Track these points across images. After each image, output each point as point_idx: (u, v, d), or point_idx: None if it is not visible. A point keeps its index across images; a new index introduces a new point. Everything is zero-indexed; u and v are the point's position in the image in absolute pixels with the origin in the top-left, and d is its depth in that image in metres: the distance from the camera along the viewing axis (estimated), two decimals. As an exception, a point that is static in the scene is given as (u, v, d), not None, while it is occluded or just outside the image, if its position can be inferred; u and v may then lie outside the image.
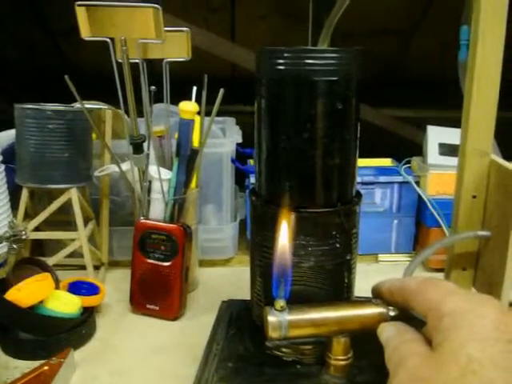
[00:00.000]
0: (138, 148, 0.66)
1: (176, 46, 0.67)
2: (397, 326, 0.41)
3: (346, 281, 0.50)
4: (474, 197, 0.50)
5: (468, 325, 0.33)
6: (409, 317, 0.42)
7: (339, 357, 0.47)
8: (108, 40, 0.62)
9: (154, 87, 0.66)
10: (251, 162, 0.90)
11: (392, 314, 0.43)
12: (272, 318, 0.43)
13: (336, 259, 0.48)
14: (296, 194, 0.47)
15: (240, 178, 0.89)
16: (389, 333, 0.41)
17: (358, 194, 0.50)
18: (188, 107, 0.66)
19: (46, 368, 0.53)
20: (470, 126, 0.47)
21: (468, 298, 0.36)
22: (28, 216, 0.74)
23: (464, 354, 0.31)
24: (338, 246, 0.48)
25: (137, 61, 0.66)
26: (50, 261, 0.70)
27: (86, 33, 0.62)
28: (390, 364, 0.37)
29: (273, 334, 0.44)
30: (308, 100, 0.44)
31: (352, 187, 0.49)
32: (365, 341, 0.46)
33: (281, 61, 0.44)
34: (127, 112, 0.66)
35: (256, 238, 0.51)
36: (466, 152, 0.48)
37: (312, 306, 0.45)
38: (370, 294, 0.46)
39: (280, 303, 0.44)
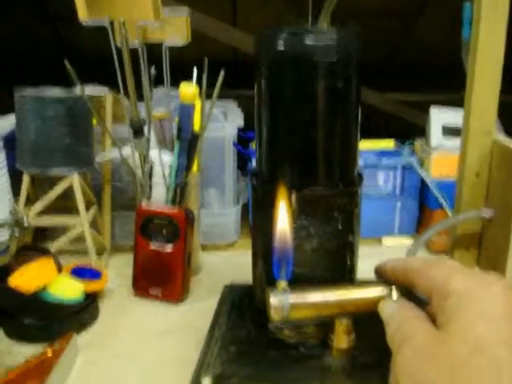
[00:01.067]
0: (138, 132, 0.66)
1: (176, 30, 0.66)
2: (399, 302, 0.41)
3: (349, 262, 0.50)
4: (477, 175, 0.49)
5: (475, 304, 0.33)
6: (412, 297, 0.41)
7: (341, 339, 0.47)
8: (107, 25, 0.62)
9: (153, 71, 0.66)
10: (253, 145, 0.90)
11: (395, 294, 0.43)
12: (274, 300, 0.43)
13: (338, 240, 0.48)
14: (297, 175, 0.46)
15: (242, 162, 0.89)
16: (391, 309, 0.40)
17: (360, 176, 0.50)
18: (188, 89, 0.66)
19: (49, 354, 0.53)
20: (473, 104, 0.47)
21: (474, 276, 0.36)
22: (29, 202, 0.74)
23: (472, 334, 0.31)
24: (340, 227, 0.47)
25: (136, 46, 0.65)
26: (52, 247, 0.70)
27: (83, 15, 0.61)
28: (393, 341, 0.37)
29: (275, 316, 0.43)
30: (308, 81, 0.44)
31: (354, 168, 0.49)
32: (367, 322, 0.46)
33: (280, 41, 0.44)
34: (127, 96, 0.65)
35: (257, 220, 0.50)
36: (469, 130, 0.48)
37: (314, 288, 0.45)
38: (373, 277, 0.46)
39: (282, 284, 0.43)
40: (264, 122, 0.47)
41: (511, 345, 0.30)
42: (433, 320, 0.36)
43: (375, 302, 0.43)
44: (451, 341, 0.32)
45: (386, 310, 0.40)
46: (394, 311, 0.40)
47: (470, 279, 0.35)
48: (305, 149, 0.46)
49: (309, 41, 0.43)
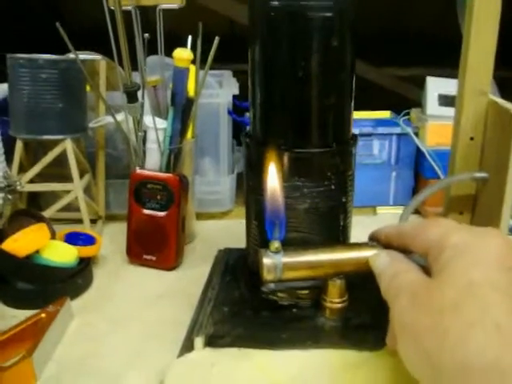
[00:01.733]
0: (132, 97, 0.65)
1: (170, -8, 0.66)
2: (391, 254, 0.41)
3: (342, 224, 0.50)
4: (472, 138, 0.49)
5: (470, 253, 0.33)
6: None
7: (335, 299, 0.47)
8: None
9: (147, 35, 0.65)
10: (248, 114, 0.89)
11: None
12: (267, 260, 0.43)
13: (331, 201, 0.48)
14: (291, 135, 0.46)
15: (238, 131, 0.89)
16: (383, 262, 0.40)
17: (354, 136, 0.50)
18: (183, 55, 0.65)
19: (42, 315, 0.53)
20: (469, 64, 0.46)
21: (471, 230, 0.36)
22: (23, 170, 0.74)
23: (465, 278, 0.31)
24: (333, 187, 0.47)
25: (129, 8, 0.65)
26: (46, 213, 0.70)
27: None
28: (388, 293, 0.37)
29: (267, 276, 0.43)
30: (302, 37, 0.43)
31: (348, 128, 0.49)
32: (360, 283, 0.46)
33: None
34: (121, 63, 0.65)
35: (250, 182, 0.50)
36: (465, 92, 0.47)
37: (307, 248, 0.45)
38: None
39: (275, 245, 0.43)
40: (258, 81, 0.47)
41: (502, 290, 0.30)
42: (428, 274, 0.36)
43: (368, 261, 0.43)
44: (443, 286, 0.32)
45: (378, 264, 0.41)
46: (387, 264, 0.40)
47: (466, 234, 0.35)
48: (298, 108, 0.45)
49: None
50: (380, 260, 0.41)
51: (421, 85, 0.89)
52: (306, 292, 0.50)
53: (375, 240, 0.45)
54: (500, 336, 0.28)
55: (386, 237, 0.43)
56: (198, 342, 0.44)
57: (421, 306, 0.32)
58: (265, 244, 0.44)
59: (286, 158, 0.46)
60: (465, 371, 0.28)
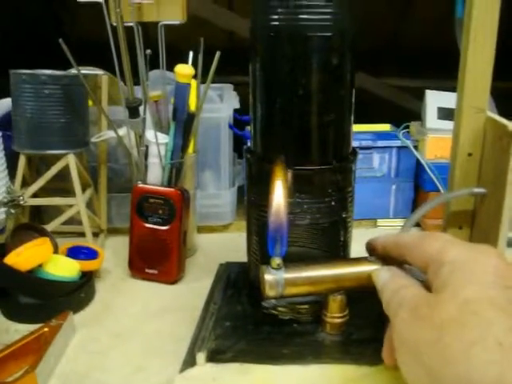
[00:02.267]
0: (134, 112, 0.66)
1: (171, 9, 0.66)
2: (392, 270, 0.42)
3: (342, 239, 0.50)
4: (470, 154, 0.50)
5: (468, 270, 0.34)
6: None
7: (335, 314, 0.47)
8: (101, 1, 0.62)
9: (149, 51, 0.66)
10: (249, 128, 0.90)
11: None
12: (268, 277, 0.44)
13: (331, 217, 0.48)
14: (291, 151, 0.46)
15: (238, 145, 0.89)
16: (385, 277, 0.41)
17: (354, 152, 0.50)
18: (184, 70, 0.66)
19: (45, 330, 0.53)
20: (467, 82, 0.47)
21: (469, 247, 0.36)
22: (26, 184, 0.74)
23: (463, 295, 0.32)
24: (333, 203, 0.48)
25: (131, 24, 0.65)
26: (49, 227, 0.70)
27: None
28: (389, 307, 0.38)
29: (269, 292, 0.44)
30: (302, 55, 0.44)
31: (348, 144, 0.49)
32: (361, 299, 0.46)
33: (275, 16, 0.44)
34: (123, 78, 0.66)
35: (252, 197, 0.51)
36: (463, 109, 0.48)
37: (308, 264, 0.45)
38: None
39: (276, 261, 0.44)
40: (258, 98, 0.47)
41: (500, 308, 0.31)
42: (428, 290, 0.36)
43: (369, 277, 0.44)
44: (443, 302, 0.33)
45: (380, 279, 0.41)
46: (388, 279, 0.40)
47: (464, 250, 0.36)
48: (299, 124, 0.46)
49: (304, 15, 0.43)
50: (381, 275, 0.42)
51: (419, 96, 0.90)
52: (307, 307, 0.50)
53: (372, 249, 0.46)
54: (502, 353, 0.28)
55: (383, 247, 0.44)
56: (200, 357, 0.44)
57: (422, 320, 0.33)
58: (266, 259, 0.45)
59: (286, 175, 0.46)
60: None
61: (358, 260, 0.45)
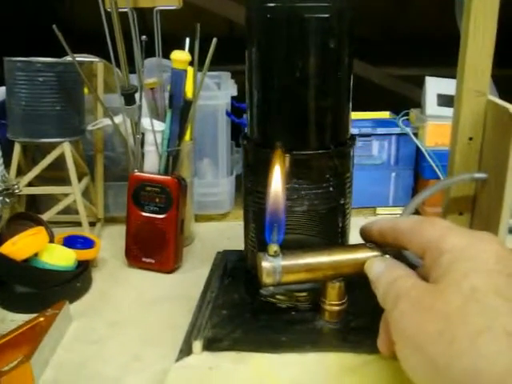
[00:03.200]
0: (129, 99, 0.65)
1: (167, -7, 0.65)
2: (386, 260, 0.41)
3: (340, 225, 0.49)
4: (471, 139, 0.49)
5: (470, 258, 0.33)
6: (402, 260, 0.41)
7: (334, 302, 0.46)
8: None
9: (144, 37, 0.65)
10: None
11: (387, 256, 0.43)
12: (266, 264, 0.43)
13: (329, 203, 0.48)
14: (288, 137, 0.46)
15: (236, 133, 0.88)
16: (379, 268, 0.40)
17: (353, 137, 0.49)
18: (180, 56, 0.65)
19: (41, 319, 0.53)
20: (467, 65, 0.46)
21: (467, 234, 0.36)
22: (21, 173, 0.73)
23: (467, 284, 0.31)
24: (331, 189, 0.47)
25: (126, 10, 0.64)
26: (45, 216, 0.69)
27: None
28: (386, 299, 0.37)
29: (267, 279, 0.43)
30: (299, 38, 0.43)
31: (346, 129, 0.48)
32: (359, 286, 0.46)
33: (271, -2, 0.43)
34: (118, 65, 0.65)
35: (248, 183, 0.50)
36: (463, 92, 0.47)
37: (306, 251, 0.44)
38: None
39: (273, 248, 0.43)
40: (255, 83, 0.47)
41: (503, 295, 0.30)
42: (425, 279, 0.36)
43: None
44: (446, 292, 0.32)
45: (374, 270, 0.41)
46: (382, 270, 0.39)
47: (464, 237, 0.35)
48: (296, 109, 0.45)
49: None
50: (375, 266, 0.41)
51: (420, 84, 0.89)
52: (305, 295, 0.49)
53: (367, 235, 0.45)
54: (510, 343, 0.28)
55: (379, 232, 0.43)
56: (197, 345, 0.44)
57: (424, 311, 0.32)
58: (263, 247, 0.44)
59: (285, 161, 0.45)
60: (476, 378, 0.28)
61: (356, 246, 0.45)
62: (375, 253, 0.43)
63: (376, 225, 0.44)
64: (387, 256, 0.43)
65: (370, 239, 0.44)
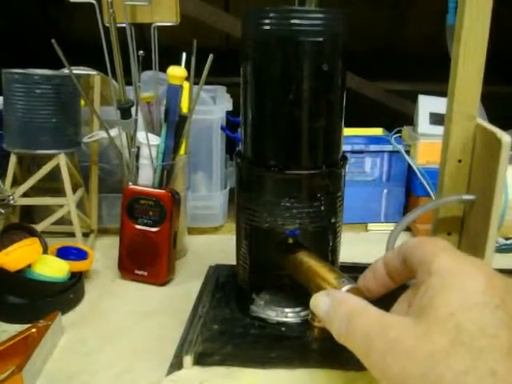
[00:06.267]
0: (125, 113, 0.66)
1: (164, 10, 0.66)
2: (330, 294, 0.39)
3: (331, 244, 0.50)
4: (460, 161, 0.50)
5: (457, 287, 0.32)
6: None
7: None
8: (94, 1, 0.62)
9: (142, 52, 0.66)
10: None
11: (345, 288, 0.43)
12: None
13: (321, 222, 0.49)
14: (281, 156, 0.47)
15: (231, 147, 0.89)
16: (324, 303, 0.38)
17: (344, 158, 0.50)
18: (176, 72, 0.66)
19: (33, 330, 0.53)
20: (457, 89, 0.47)
21: (459, 257, 0.35)
22: (17, 183, 0.74)
23: (452, 323, 0.30)
24: (322, 208, 0.48)
25: (124, 25, 0.65)
26: (39, 227, 0.70)
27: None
28: (349, 338, 0.36)
29: None
30: (293, 60, 0.44)
31: (338, 150, 0.49)
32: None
33: (266, 21, 0.44)
34: (115, 78, 0.65)
35: (241, 200, 0.51)
36: (453, 115, 0.48)
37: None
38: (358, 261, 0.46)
39: None
40: (249, 103, 0.48)
41: (489, 333, 0.30)
42: (410, 298, 0.36)
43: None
44: (430, 331, 0.31)
45: (320, 308, 0.39)
46: (330, 305, 0.38)
47: (455, 259, 0.35)
48: (289, 129, 0.46)
49: (295, 20, 0.43)
50: (321, 304, 0.39)
51: (413, 100, 0.90)
52: (295, 311, 0.50)
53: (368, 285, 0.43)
54: (496, 382, 0.28)
55: (386, 264, 0.41)
56: (187, 360, 0.45)
57: (407, 353, 0.31)
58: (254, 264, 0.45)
59: (276, 179, 0.46)
60: None
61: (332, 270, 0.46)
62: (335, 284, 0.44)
63: (379, 262, 0.42)
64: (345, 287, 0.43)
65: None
